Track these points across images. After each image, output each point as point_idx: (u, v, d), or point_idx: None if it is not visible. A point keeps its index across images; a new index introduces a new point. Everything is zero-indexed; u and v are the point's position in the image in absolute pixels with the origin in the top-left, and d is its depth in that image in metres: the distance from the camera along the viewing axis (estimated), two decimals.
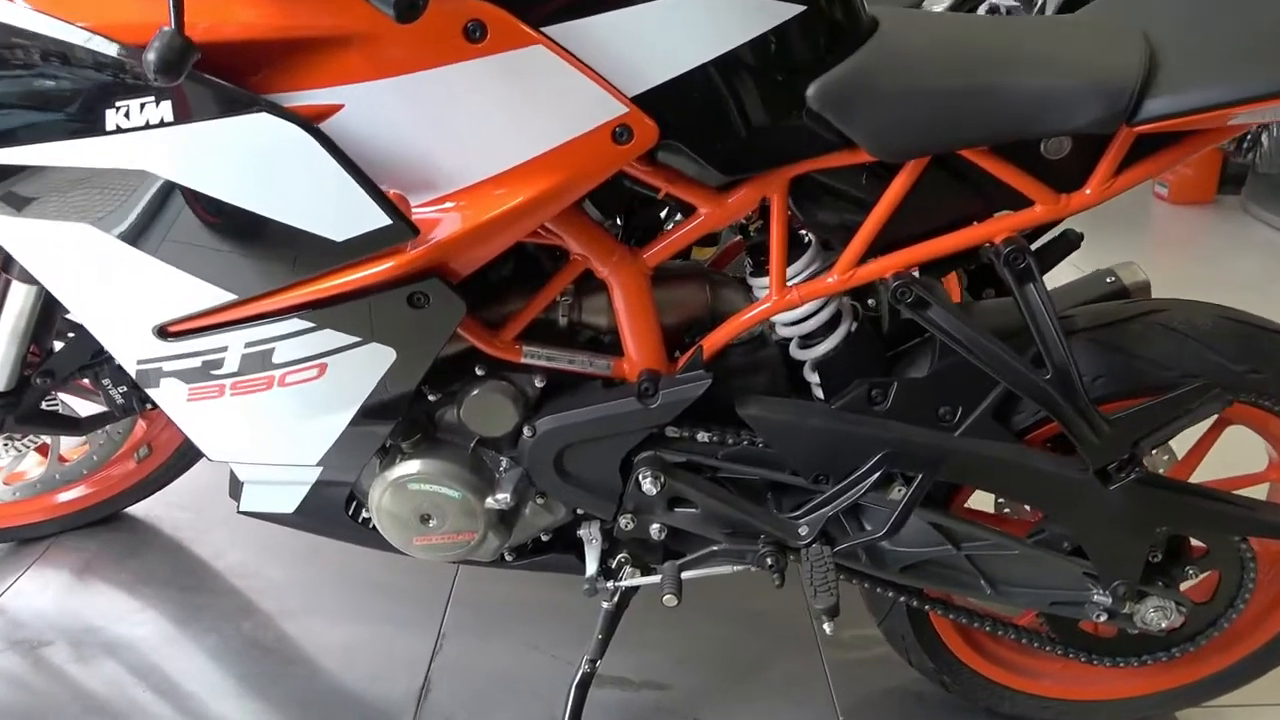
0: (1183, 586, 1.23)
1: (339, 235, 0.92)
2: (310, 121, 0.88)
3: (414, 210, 0.95)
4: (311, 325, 1.00)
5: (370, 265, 0.95)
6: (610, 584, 1.23)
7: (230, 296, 0.98)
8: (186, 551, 1.76)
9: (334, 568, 1.71)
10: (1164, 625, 1.21)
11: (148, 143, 0.88)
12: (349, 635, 1.57)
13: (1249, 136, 4.02)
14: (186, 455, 1.71)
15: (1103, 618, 1.20)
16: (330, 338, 1.02)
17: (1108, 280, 1.30)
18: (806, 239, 1.14)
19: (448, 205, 0.95)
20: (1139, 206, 4.30)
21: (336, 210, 0.91)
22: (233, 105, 0.86)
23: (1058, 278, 1.17)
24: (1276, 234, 3.92)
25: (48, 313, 1.41)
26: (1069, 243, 1.38)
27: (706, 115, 0.96)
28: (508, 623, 1.60)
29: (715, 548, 1.18)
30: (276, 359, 1.03)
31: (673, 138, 0.96)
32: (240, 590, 1.67)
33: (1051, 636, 1.30)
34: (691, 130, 0.97)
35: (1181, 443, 1.20)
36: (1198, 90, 0.91)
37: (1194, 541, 1.25)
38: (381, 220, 0.91)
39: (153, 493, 1.79)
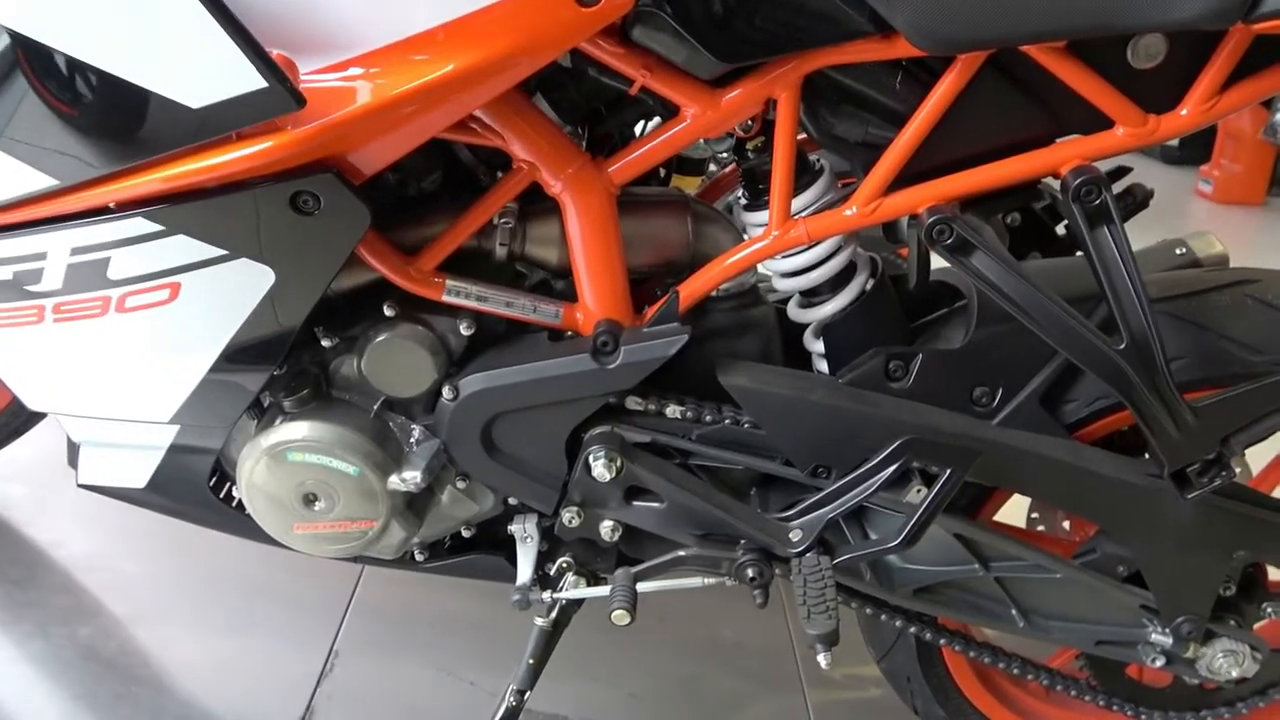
0: (1255, 626, 1.15)
1: (195, 100, 0.79)
2: None
3: (304, 79, 0.82)
4: (159, 228, 0.88)
5: (239, 147, 0.82)
6: (547, 595, 1.13)
7: (50, 182, 0.86)
8: (16, 535, 1.63)
9: (206, 563, 1.60)
10: (1234, 674, 1.13)
11: None
12: (216, 649, 1.46)
13: None
14: (21, 413, 1.55)
15: (1159, 662, 1.13)
16: (185, 248, 0.89)
17: (1178, 252, 1.23)
18: (818, 165, 1.02)
19: (350, 73, 0.83)
20: (1179, 204, 4.31)
21: (194, 65, 0.78)
22: None
23: None
24: None
25: None
26: (1136, 201, 1.29)
27: None
28: (417, 640, 1.51)
29: (682, 553, 1.06)
30: (113, 273, 0.91)
31: (655, 5, 0.86)
32: (82, 587, 1.55)
33: (1091, 683, 1.22)
34: None
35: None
36: None
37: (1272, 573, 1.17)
38: (254, 82, 0.78)
39: None
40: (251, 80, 0.77)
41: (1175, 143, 4.67)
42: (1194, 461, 0.98)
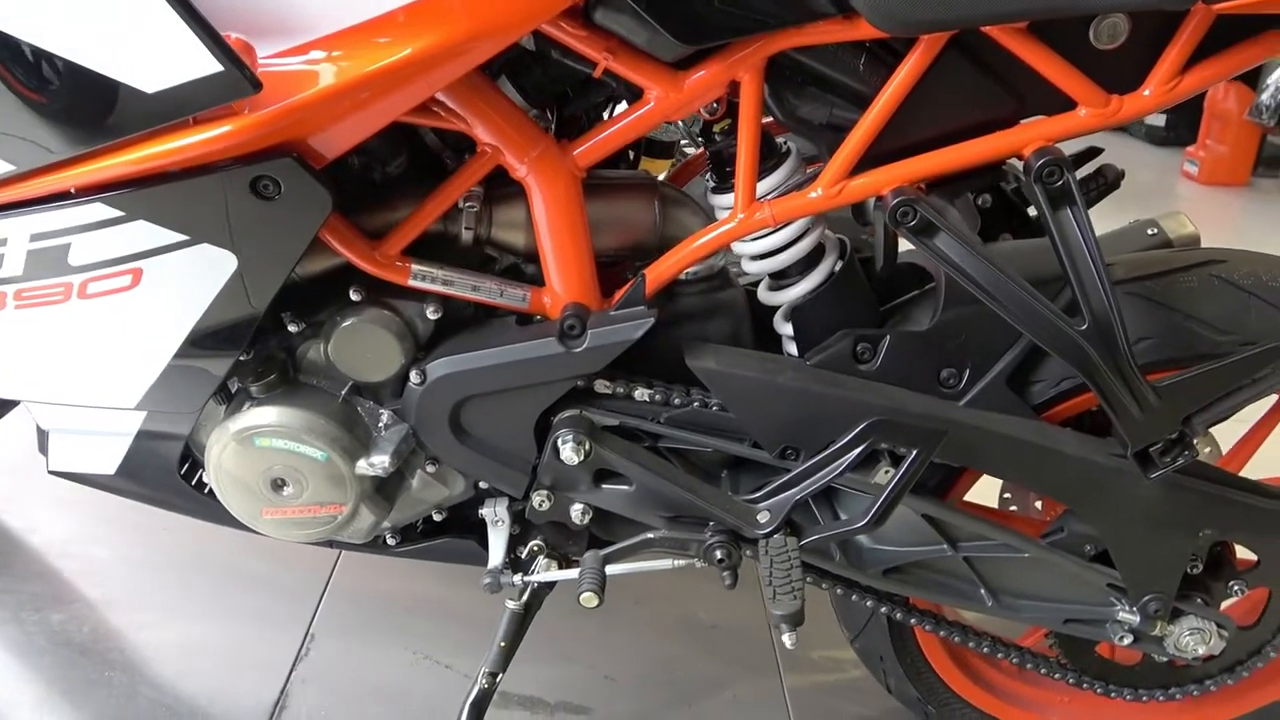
0: (1224, 605, 1.16)
1: (150, 85, 0.79)
2: None
3: (262, 62, 0.82)
4: (120, 214, 0.88)
5: (196, 131, 0.82)
6: (518, 578, 1.13)
7: (7, 168, 0.85)
8: None
9: (181, 548, 1.59)
10: (1201, 652, 1.14)
11: None
12: (191, 634, 1.46)
13: None
14: None
15: (1127, 640, 1.13)
16: (146, 233, 0.89)
17: (1149, 233, 1.24)
18: (785, 147, 1.02)
19: (308, 56, 0.83)
20: (1165, 185, 4.32)
21: (147, 49, 0.78)
22: None
23: None
24: None
25: None
26: (1107, 182, 1.29)
27: None
28: (393, 624, 1.51)
29: (650, 535, 1.07)
30: (74, 260, 0.91)
31: None
32: (56, 573, 1.54)
33: (1062, 662, 1.23)
34: None
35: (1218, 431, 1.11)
36: None
37: (1240, 551, 1.17)
38: (209, 66, 0.77)
39: None
40: (206, 64, 0.77)
41: (1161, 124, 4.68)
42: (1157, 441, 0.98)
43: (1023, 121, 0.95)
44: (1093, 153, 1.29)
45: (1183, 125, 4.52)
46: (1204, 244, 1.14)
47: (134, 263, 0.90)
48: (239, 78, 0.78)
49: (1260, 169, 4.30)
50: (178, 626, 1.46)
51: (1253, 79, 1.06)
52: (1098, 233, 1.19)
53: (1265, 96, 1.29)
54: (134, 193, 0.86)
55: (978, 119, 0.94)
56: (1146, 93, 0.91)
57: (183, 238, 0.89)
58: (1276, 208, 4.12)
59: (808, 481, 1.03)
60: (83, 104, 0.81)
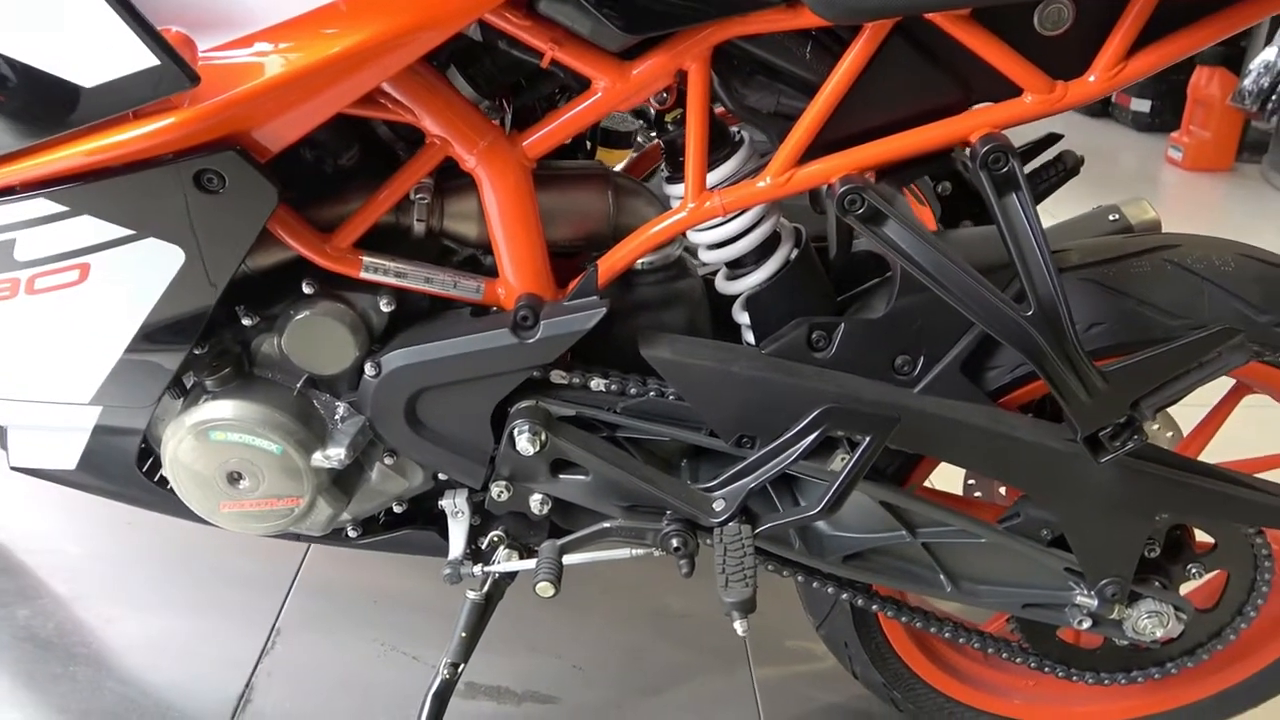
0: (1183, 588, 1.17)
1: (88, 79, 0.79)
2: None
3: (203, 55, 0.82)
4: (64, 209, 0.88)
5: (137, 126, 0.82)
6: (478, 569, 1.14)
7: None
8: None
9: (150, 543, 1.59)
10: (1159, 635, 1.14)
11: None
12: (158, 628, 1.46)
13: (1275, 97, 4.03)
14: None
15: (1086, 624, 1.14)
16: (92, 228, 0.89)
17: (1111, 218, 1.24)
18: (738, 136, 1.03)
19: (250, 49, 0.83)
20: (1149, 171, 4.33)
21: (84, 43, 0.78)
22: None
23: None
24: None
25: None
26: (1066, 168, 1.30)
27: None
28: (361, 617, 1.51)
29: (607, 525, 1.08)
30: (20, 255, 0.91)
31: None
32: (24, 568, 1.54)
33: (1024, 646, 1.24)
34: None
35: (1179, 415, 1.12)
36: None
37: (1198, 535, 1.19)
38: (145, 60, 0.78)
39: None
40: (143, 58, 0.77)
41: (1146, 109, 4.68)
42: (1106, 425, 0.99)
43: (970, 109, 0.95)
44: (1052, 139, 1.30)
45: (1167, 111, 4.54)
46: (1188, 230, 1.14)
47: (81, 258, 0.90)
48: (176, 72, 0.78)
49: (1244, 154, 4.31)
50: (145, 620, 1.46)
51: (1236, 65, 1.06)
52: (1066, 218, 1.21)
53: (1248, 82, 1.30)
54: (78, 188, 0.86)
55: (925, 106, 0.94)
56: (1092, 78, 0.91)
57: (129, 232, 0.89)
58: (1259, 193, 4.13)
59: (762, 469, 1.03)
60: (23, 98, 0.81)
